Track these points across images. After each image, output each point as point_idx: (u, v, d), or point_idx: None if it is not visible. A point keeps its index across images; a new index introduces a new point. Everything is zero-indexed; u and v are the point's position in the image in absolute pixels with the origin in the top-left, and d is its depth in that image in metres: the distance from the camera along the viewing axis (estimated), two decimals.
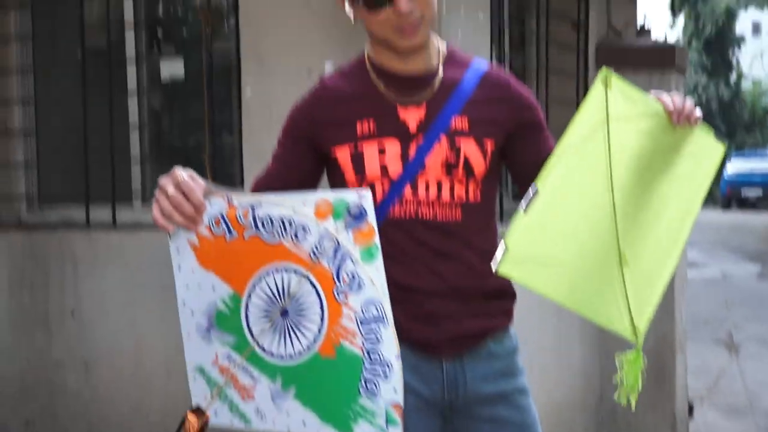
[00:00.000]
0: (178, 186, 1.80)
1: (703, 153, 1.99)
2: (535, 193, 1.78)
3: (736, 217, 24.97)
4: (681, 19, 31.76)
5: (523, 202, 1.77)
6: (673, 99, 1.90)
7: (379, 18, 1.93)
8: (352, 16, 2.01)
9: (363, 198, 1.74)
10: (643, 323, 1.83)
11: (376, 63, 2.06)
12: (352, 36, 3.40)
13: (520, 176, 2.15)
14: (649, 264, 1.89)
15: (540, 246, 1.79)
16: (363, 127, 2.00)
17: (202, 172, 3.88)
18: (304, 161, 2.09)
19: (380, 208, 1.97)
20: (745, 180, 27.41)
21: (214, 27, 3.87)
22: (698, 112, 1.93)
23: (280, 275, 1.83)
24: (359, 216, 1.74)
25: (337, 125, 2.02)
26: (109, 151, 4.14)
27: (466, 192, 2.04)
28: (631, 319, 1.82)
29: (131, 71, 4.16)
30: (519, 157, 2.12)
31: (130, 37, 4.16)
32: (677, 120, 1.90)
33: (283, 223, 1.80)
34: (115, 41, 4.20)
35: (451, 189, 2.02)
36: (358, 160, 1.99)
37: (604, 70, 1.82)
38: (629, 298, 1.83)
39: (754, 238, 18.90)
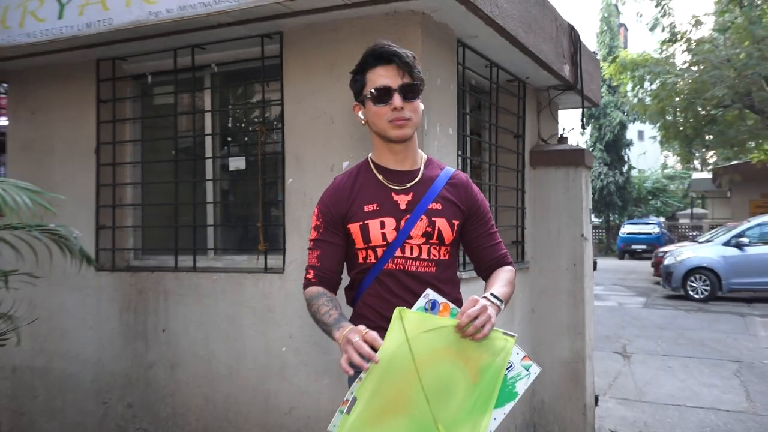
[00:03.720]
0: (364, 339, 1.76)
1: (498, 346, 1.85)
2: (353, 399, 1.75)
3: (628, 264, 24.96)
4: (589, 130, 32.06)
5: (345, 407, 1.75)
6: (461, 320, 1.79)
7: (381, 111, 2.02)
8: (362, 118, 2.12)
9: (426, 297, 1.82)
10: None
11: (377, 162, 2.14)
12: (359, 145, 3.43)
13: (467, 248, 2.24)
14: (462, 427, 1.81)
15: (373, 428, 1.75)
16: (369, 208, 2.06)
17: (256, 237, 3.88)
18: (338, 237, 2.11)
19: (379, 263, 2.06)
20: (634, 239, 27.75)
21: (266, 135, 3.87)
22: (486, 330, 1.79)
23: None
24: (434, 306, 1.80)
25: (352, 209, 2.08)
26: (192, 219, 4.14)
27: (439, 253, 2.11)
28: None
29: (209, 164, 4.17)
30: (467, 235, 2.19)
31: (209, 141, 4.17)
32: (461, 335, 1.81)
33: None
34: (198, 143, 4.22)
35: (429, 251, 2.08)
36: (365, 231, 2.05)
37: (397, 310, 1.77)
38: None
39: (640, 279, 18.83)
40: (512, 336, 1.87)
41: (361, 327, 1.80)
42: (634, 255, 27.31)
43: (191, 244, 4.08)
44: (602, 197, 32.16)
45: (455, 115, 3.72)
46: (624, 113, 30.97)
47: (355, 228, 2.06)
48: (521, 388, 1.86)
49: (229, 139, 4.31)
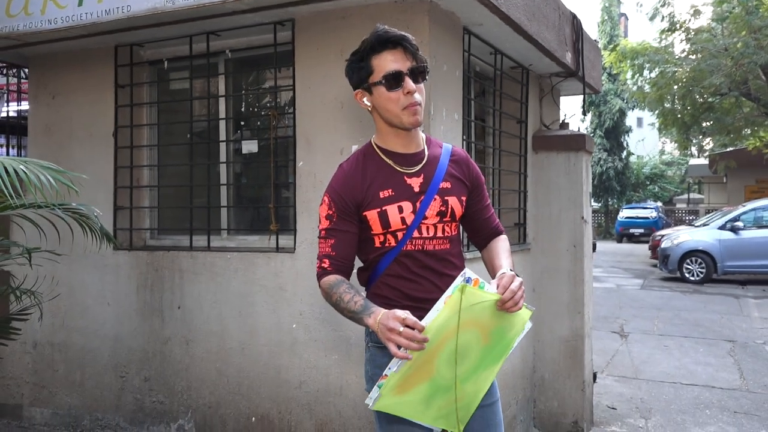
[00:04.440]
0: (405, 323, 1.74)
1: (519, 320, 1.94)
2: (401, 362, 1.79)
3: (626, 247, 24.91)
4: (589, 116, 31.91)
5: (384, 381, 1.80)
6: (504, 295, 1.83)
7: (394, 96, 1.95)
8: (369, 105, 2.03)
9: (464, 275, 1.81)
10: (463, 425, 1.97)
11: (383, 147, 2.07)
12: (368, 129, 3.43)
13: (466, 220, 2.21)
14: (471, 390, 1.95)
15: (401, 394, 1.83)
16: (384, 194, 2.01)
17: (268, 218, 3.91)
18: (353, 225, 2.04)
19: (399, 245, 2.03)
20: (632, 222, 27.64)
21: (278, 120, 3.88)
22: (520, 304, 1.86)
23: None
24: (467, 282, 1.78)
25: (368, 196, 2.01)
26: (206, 200, 4.16)
27: (451, 229, 2.11)
28: (458, 423, 1.95)
29: (222, 147, 4.18)
30: (468, 209, 2.17)
31: (222, 125, 4.19)
32: (500, 308, 1.85)
33: None
34: (212, 127, 4.23)
35: (443, 229, 2.08)
36: (384, 218, 2.00)
37: (461, 285, 1.78)
38: (458, 411, 1.93)
39: (638, 261, 18.82)
40: (532, 309, 1.95)
41: (399, 312, 1.75)
42: (632, 238, 27.26)
43: (205, 224, 4.11)
44: (601, 182, 32.07)
45: (461, 101, 3.72)
46: (623, 100, 30.80)
47: (372, 215, 2.00)
48: (516, 341, 1.99)
49: (242, 123, 4.32)
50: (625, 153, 33.00)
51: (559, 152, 4.84)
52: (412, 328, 1.72)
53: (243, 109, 4.38)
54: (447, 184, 2.06)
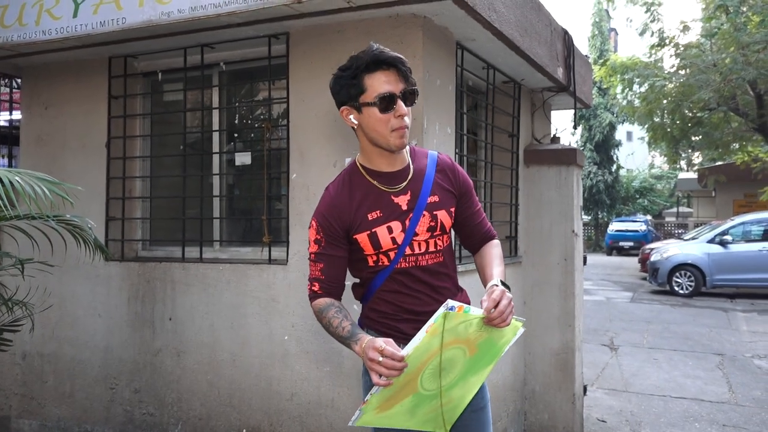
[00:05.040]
0: (383, 354, 1.72)
1: (510, 329, 1.91)
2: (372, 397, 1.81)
3: (616, 260, 25.00)
4: (580, 130, 32.10)
5: (365, 406, 1.81)
6: (493, 314, 1.80)
7: (384, 119, 1.93)
8: (356, 123, 2.00)
9: (446, 305, 1.77)
10: (449, 424, 2.00)
11: (368, 167, 2.06)
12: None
13: (457, 226, 2.20)
14: (458, 395, 1.96)
15: (385, 411, 1.86)
16: (373, 216, 2.00)
17: (261, 230, 3.92)
18: (341, 249, 2.04)
19: (391, 264, 2.03)
20: (622, 236, 27.75)
21: (272, 132, 3.90)
22: (509, 320, 1.83)
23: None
24: (452, 308, 1.75)
25: (356, 219, 2.01)
26: (199, 211, 4.17)
27: (443, 241, 2.11)
28: (444, 423, 1.98)
29: (215, 159, 4.19)
30: (458, 216, 2.16)
31: (216, 136, 4.20)
32: (488, 324, 1.82)
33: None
34: (206, 139, 4.24)
35: (435, 243, 2.07)
36: (374, 239, 2.00)
37: (443, 313, 1.75)
38: (443, 414, 1.96)
39: (627, 274, 18.89)
40: (522, 320, 1.93)
41: (378, 342, 1.74)
42: (622, 251, 27.37)
43: (198, 235, 4.11)
44: (591, 195, 32.21)
45: (453, 115, 3.76)
46: (613, 114, 30.96)
47: (362, 237, 2.00)
48: (507, 347, 1.99)
49: (236, 135, 4.34)
50: (615, 166, 33.17)
51: (550, 166, 4.89)
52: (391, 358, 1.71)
53: (236, 121, 4.39)
54: (435, 198, 2.05)
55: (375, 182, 2.03)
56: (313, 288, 2.05)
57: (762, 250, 13.58)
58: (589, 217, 33.19)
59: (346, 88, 1.97)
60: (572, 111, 5.53)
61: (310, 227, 2.06)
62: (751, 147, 19.53)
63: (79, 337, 4.35)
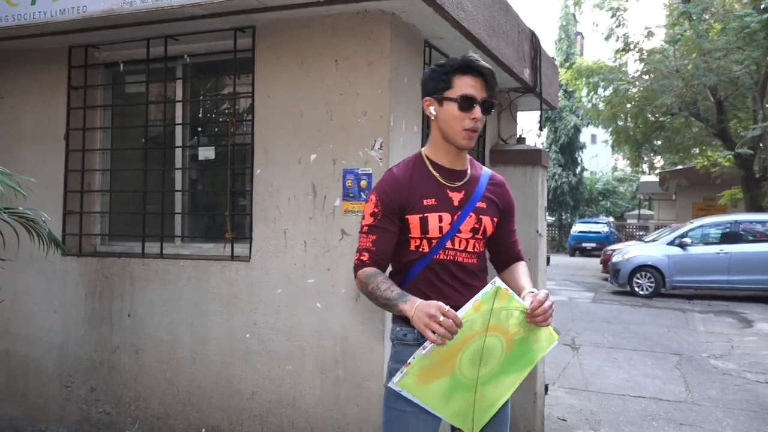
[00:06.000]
0: (446, 315, 1.82)
1: (546, 337, 2.09)
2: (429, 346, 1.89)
3: (578, 261, 25.34)
4: (545, 132, 32.50)
5: (407, 368, 1.89)
6: (534, 307, 1.98)
7: (460, 117, 2.12)
8: (434, 114, 2.19)
9: (494, 283, 1.91)
10: (477, 428, 2.08)
11: (433, 160, 2.23)
12: (327, 139, 3.43)
13: (492, 241, 2.34)
14: (492, 394, 2.07)
15: (423, 383, 1.93)
16: (428, 202, 2.16)
17: (224, 226, 3.85)
18: (395, 225, 2.17)
19: (431, 252, 2.18)
20: (585, 237, 28.17)
21: (236, 127, 3.84)
22: (550, 321, 2.01)
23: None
24: (501, 286, 1.91)
25: (412, 201, 2.16)
26: (160, 206, 4.08)
27: (481, 246, 2.28)
28: (473, 425, 2.07)
29: (178, 153, 4.11)
30: (496, 231, 2.31)
31: (179, 130, 4.12)
32: (529, 320, 2.00)
33: None
34: (168, 132, 4.16)
35: (474, 245, 2.24)
36: (424, 223, 2.15)
37: (495, 287, 1.89)
38: (474, 413, 2.06)
39: (589, 275, 19.16)
40: (558, 333, 2.10)
41: (441, 303, 1.85)
42: (585, 252, 27.76)
43: (158, 231, 4.03)
44: (556, 197, 32.63)
45: (420, 113, 3.74)
46: (578, 117, 31.43)
47: (414, 219, 2.14)
48: (542, 355, 2.13)
49: (199, 129, 4.26)
50: (579, 168, 33.67)
51: (515, 166, 4.91)
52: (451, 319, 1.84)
53: (200, 115, 4.31)
54: (483, 204, 2.22)
55: (437, 174, 2.20)
56: (362, 258, 2.15)
57: (719, 253, 13.89)
58: (553, 218, 33.62)
59: (435, 81, 2.15)
60: (538, 112, 5.56)
61: (367, 201, 2.20)
62: (711, 152, 20.00)
63: (34, 333, 4.23)
